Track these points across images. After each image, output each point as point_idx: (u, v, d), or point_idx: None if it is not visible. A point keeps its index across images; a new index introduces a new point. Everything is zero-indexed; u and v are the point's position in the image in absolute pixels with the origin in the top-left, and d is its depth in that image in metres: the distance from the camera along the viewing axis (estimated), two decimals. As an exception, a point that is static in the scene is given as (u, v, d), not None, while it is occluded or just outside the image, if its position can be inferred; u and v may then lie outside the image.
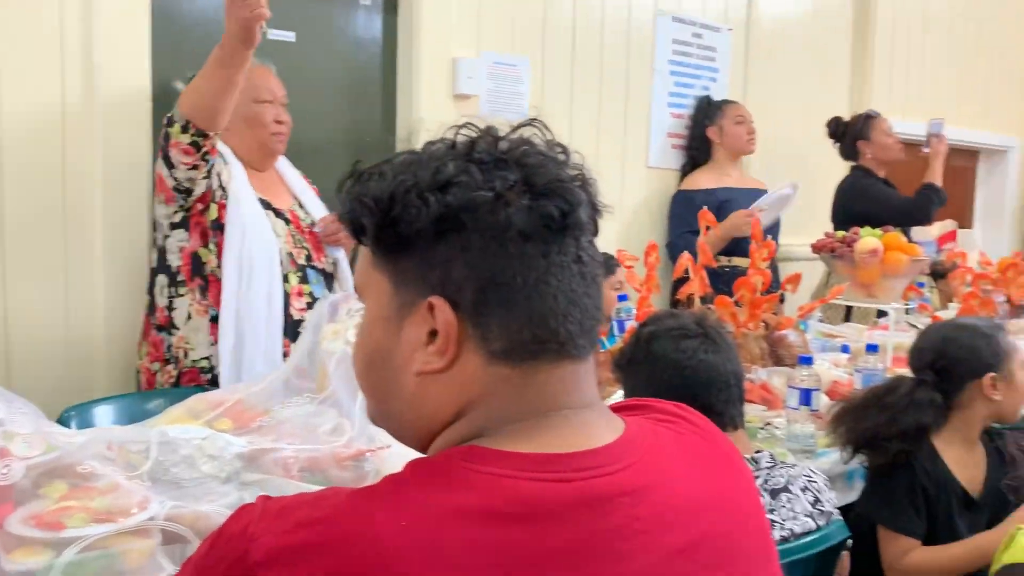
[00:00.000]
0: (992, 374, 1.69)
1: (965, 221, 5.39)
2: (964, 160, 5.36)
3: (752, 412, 2.11)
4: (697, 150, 3.65)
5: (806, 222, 3.91)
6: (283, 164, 2.24)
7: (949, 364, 1.71)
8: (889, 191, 3.63)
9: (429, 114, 2.92)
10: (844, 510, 1.87)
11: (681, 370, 1.38)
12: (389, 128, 2.95)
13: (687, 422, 0.82)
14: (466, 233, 0.66)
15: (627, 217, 3.59)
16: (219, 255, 1.95)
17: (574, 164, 0.72)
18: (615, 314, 2.39)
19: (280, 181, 2.20)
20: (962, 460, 1.72)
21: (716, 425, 1.38)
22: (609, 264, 2.64)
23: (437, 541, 0.61)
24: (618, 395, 1.72)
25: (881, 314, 3.10)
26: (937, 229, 4.84)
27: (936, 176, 3.65)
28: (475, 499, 0.64)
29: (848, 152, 3.81)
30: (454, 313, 0.67)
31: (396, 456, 1.27)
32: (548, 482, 0.65)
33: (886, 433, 1.65)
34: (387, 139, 2.89)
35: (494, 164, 0.67)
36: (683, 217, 3.42)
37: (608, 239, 3.42)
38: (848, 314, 3.41)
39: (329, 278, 2.18)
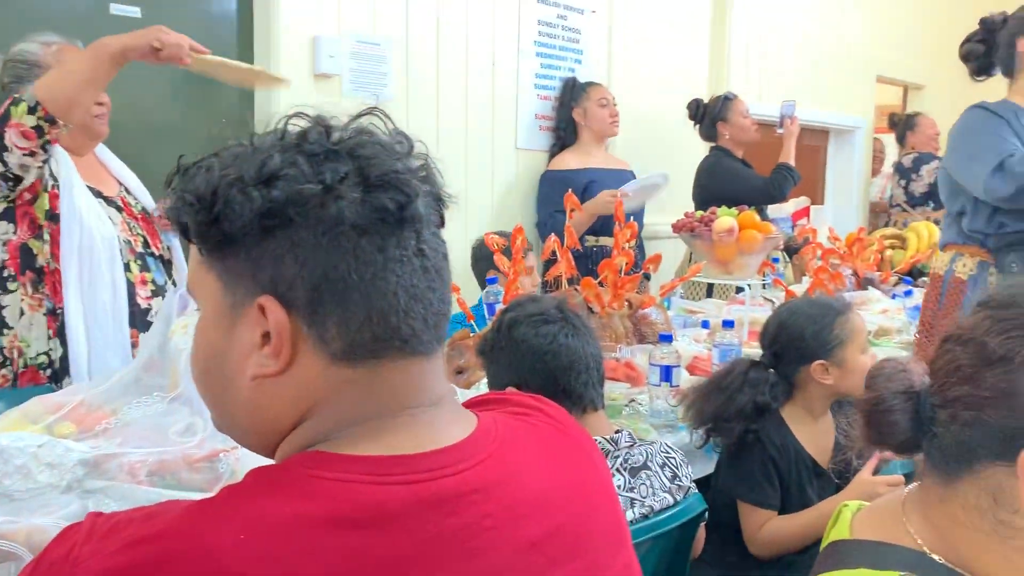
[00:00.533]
0: (821, 361, 1.76)
1: (817, 198, 5.70)
2: (815, 139, 5.66)
3: (617, 390, 2.17)
4: (564, 131, 3.70)
5: (670, 201, 4.05)
6: (101, 150, 2.15)
7: (781, 349, 1.80)
8: (746, 171, 3.80)
9: (288, 96, 2.83)
10: (704, 482, 1.97)
11: (542, 355, 1.40)
12: (247, 108, 2.84)
13: (543, 413, 0.83)
14: (294, 228, 0.63)
15: (497, 199, 3.61)
16: (53, 246, 1.85)
17: (417, 154, 0.70)
18: (485, 297, 2.40)
19: (102, 167, 2.11)
20: (810, 432, 1.82)
21: (577, 407, 1.42)
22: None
23: (278, 553, 0.59)
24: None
25: (739, 290, 3.25)
26: (792, 206, 5.10)
27: (789, 156, 3.83)
28: (317, 507, 0.62)
29: (708, 133, 3.95)
30: (287, 313, 0.64)
31: (252, 456, 1.23)
32: (393, 485, 0.64)
33: (725, 414, 1.72)
34: (244, 123, 2.79)
35: (325, 156, 0.64)
36: (551, 197, 3.47)
37: (480, 221, 3.43)
38: (710, 290, 3.55)
39: (167, 264, 2.13)
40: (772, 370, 1.84)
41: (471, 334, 2.09)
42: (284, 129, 0.67)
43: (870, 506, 0.69)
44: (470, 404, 0.84)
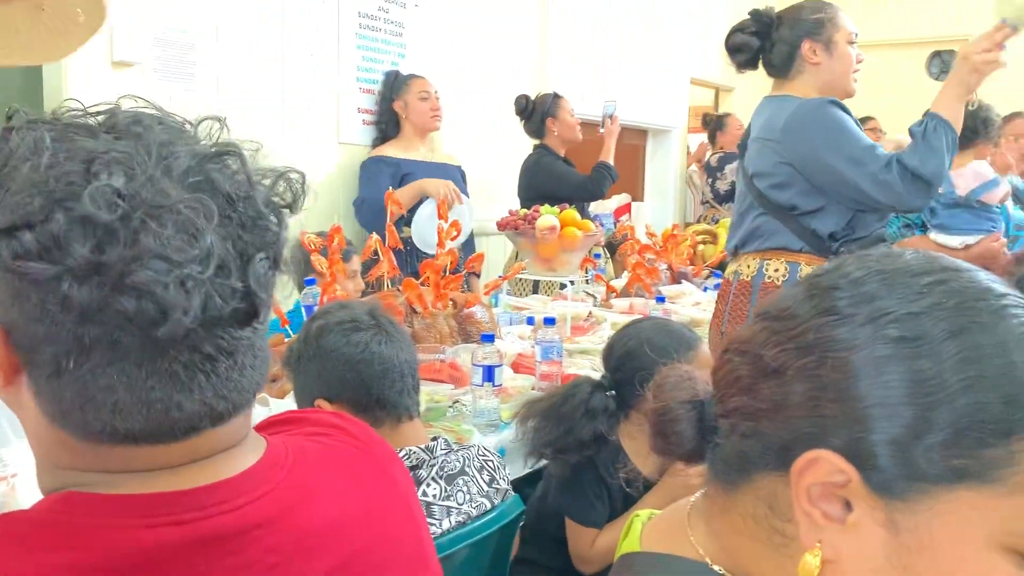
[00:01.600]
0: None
1: (637, 194, 5.94)
2: (634, 138, 5.89)
3: (441, 391, 2.15)
4: (387, 125, 3.64)
5: (498, 197, 4.08)
6: None
7: (624, 377, 1.77)
8: (568, 169, 3.88)
9: (83, 86, 2.61)
10: (533, 477, 1.98)
11: (354, 364, 1.35)
12: (34, 102, 2.59)
13: (343, 433, 0.79)
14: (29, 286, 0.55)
15: (318, 196, 3.49)
16: None
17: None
18: (303, 299, 2.32)
19: None
20: (644, 451, 1.82)
21: (392, 416, 1.39)
22: (347, 252, 2.56)
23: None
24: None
25: (564, 285, 3.32)
26: (614, 202, 5.28)
27: (609, 155, 3.95)
28: (74, 556, 0.56)
29: (536, 129, 3.99)
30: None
31: (28, 485, 1.12)
32: (161, 527, 0.59)
33: (566, 446, 1.65)
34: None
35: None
36: (374, 179, 3.41)
37: (297, 219, 3.30)
38: (536, 287, 3.61)
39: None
40: (613, 392, 1.80)
41: (285, 340, 2.00)
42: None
43: (659, 516, 0.70)
44: (262, 427, 0.79)
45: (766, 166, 2.22)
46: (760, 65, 2.36)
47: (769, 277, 2.24)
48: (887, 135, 4.82)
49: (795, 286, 0.62)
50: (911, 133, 2.11)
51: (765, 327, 0.60)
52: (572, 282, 3.04)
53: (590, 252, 3.74)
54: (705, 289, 3.55)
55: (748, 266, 2.28)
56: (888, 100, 5.95)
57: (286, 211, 0.67)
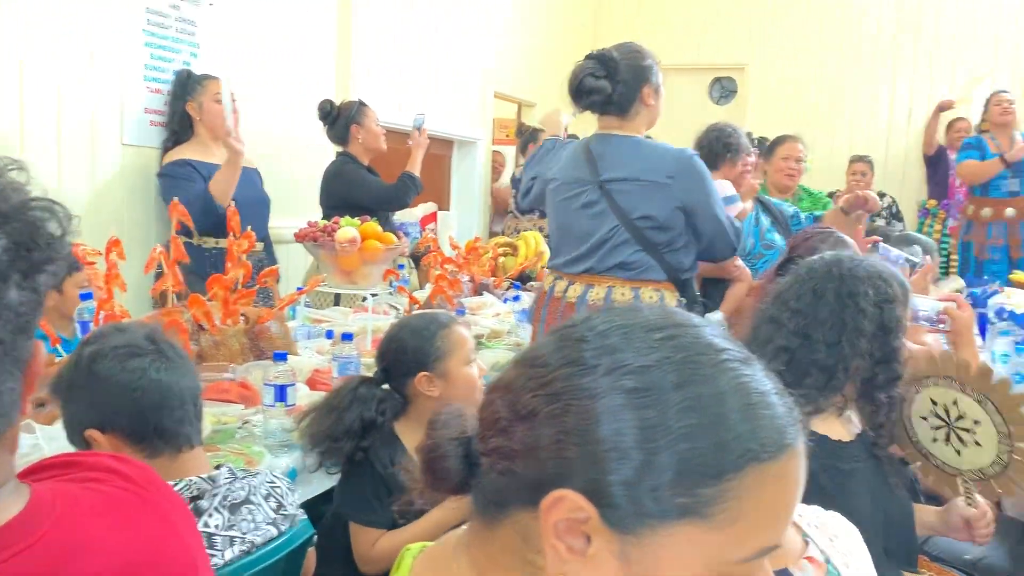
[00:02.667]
0: (425, 373, 1.84)
1: (444, 203, 6.01)
2: (441, 149, 5.95)
3: (230, 411, 2.08)
4: (179, 126, 3.46)
5: (300, 205, 3.99)
6: None
7: (390, 364, 1.87)
8: (371, 178, 3.86)
9: None
10: (329, 495, 1.96)
11: (130, 392, 1.28)
12: None
13: (120, 477, 0.75)
14: None
15: (99, 201, 3.26)
16: None
17: None
18: (78, 315, 2.16)
19: None
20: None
21: (171, 446, 1.33)
22: (73, 263, 2.38)
23: None
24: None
25: (366, 297, 3.30)
26: (420, 211, 5.31)
27: (415, 166, 3.97)
28: None
29: (340, 136, 3.92)
30: None
31: None
32: None
33: (335, 433, 1.73)
34: None
35: None
36: (190, 180, 3.25)
37: (80, 225, 3.07)
38: (338, 298, 3.56)
39: None
40: (385, 386, 1.88)
41: (56, 360, 1.87)
42: None
43: (428, 549, 0.73)
44: (27, 473, 0.74)
45: (656, 210, 2.43)
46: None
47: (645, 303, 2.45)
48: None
49: (549, 335, 0.67)
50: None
51: (521, 373, 0.65)
52: (374, 294, 3.03)
53: (394, 263, 3.75)
54: (505, 300, 3.65)
55: (622, 293, 2.48)
56: (674, 121, 6.37)
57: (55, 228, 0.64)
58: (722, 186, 3.12)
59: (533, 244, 4.24)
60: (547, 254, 4.25)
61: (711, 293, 3.28)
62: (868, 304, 1.71)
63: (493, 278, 3.84)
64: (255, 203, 3.41)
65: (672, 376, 0.60)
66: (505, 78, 6.24)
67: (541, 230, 5.03)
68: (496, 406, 0.66)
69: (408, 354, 1.85)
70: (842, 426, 1.74)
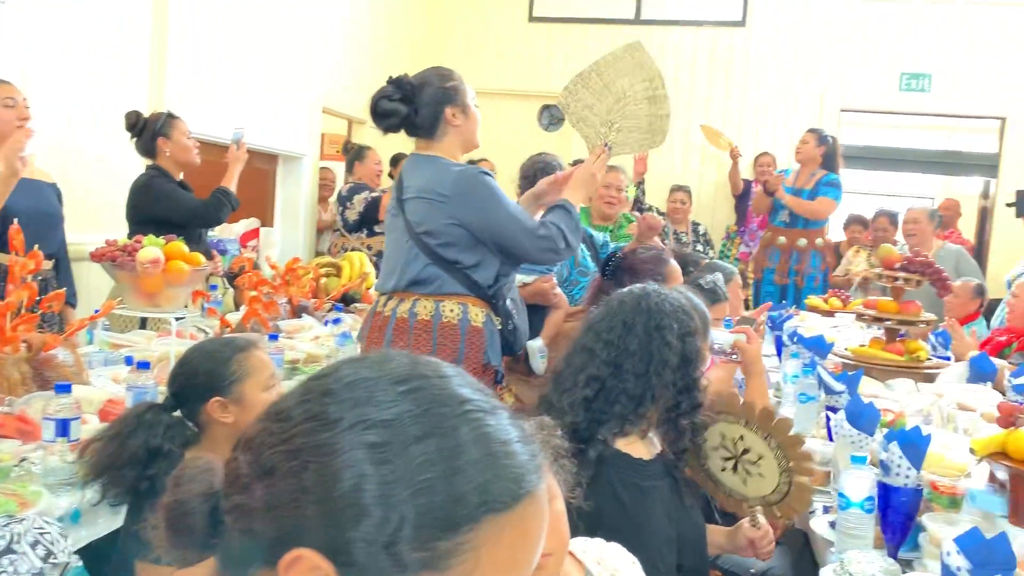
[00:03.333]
0: (218, 398, 1.77)
1: (267, 219, 5.82)
2: (264, 163, 5.77)
3: (6, 448, 1.91)
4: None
5: (105, 220, 3.74)
6: None
7: (181, 388, 1.79)
8: (182, 193, 3.68)
9: None
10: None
11: None
12: None
13: None
14: None
15: None
16: None
17: None
18: None
19: None
20: None
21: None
22: None
23: None
24: None
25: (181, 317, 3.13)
26: (241, 227, 5.11)
27: (231, 181, 3.82)
28: None
29: (147, 149, 3.72)
30: None
31: None
32: None
33: (118, 461, 1.64)
34: None
35: None
36: None
37: None
38: (144, 321, 3.36)
39: None
40: (176, 412, 1.80)
41: None
42: None
43: None
44: None
45: (436, 225, 2.49)
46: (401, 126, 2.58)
47: (446, 317, 2.50)
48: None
49: (297, 387, 0.66)
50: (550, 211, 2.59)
51: (264, 428, 0.63)
52: (180, 318, 2.88)
53: (205, 284, 3.59)
54: (326, 323, 3.57)
55: (424, 307, 2.51)
56: (503, 144, 6.50)
57: None
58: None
59: (358, 264, 4.18)
60: (373, 275, 4.21)
61: (531, 319, 3.36)
62: (673, 337, 1.82)
63: (314, 300, 3.75)
64: (45, 218, 3.15)
65: (413, 429, 0.60)
66: (335, 94, 6.14)
67: (370, 248, 4.98)
68: (238, 463, 0.63)
69: (200, 377, 1.78)
70: (644, 447, 1.83)
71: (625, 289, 2.01)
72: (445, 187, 2.47)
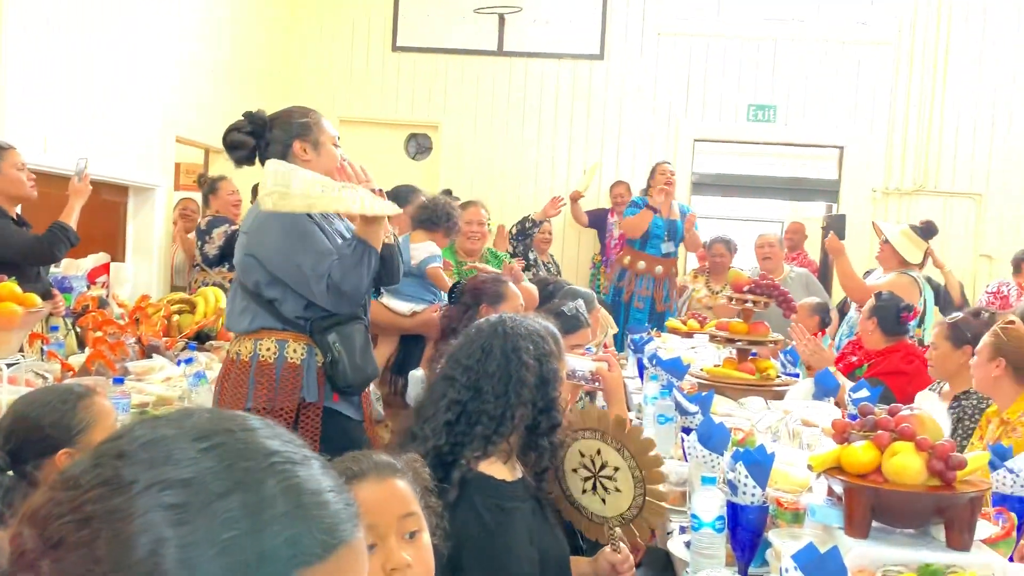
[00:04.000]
0: (67, 450, 1.68)
1: (118, 254, 5.52)
2: (115, 195, 5.49)
3: None
4: None
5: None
6: None
7: (18, 446, 1.66)
8: (13, 229, 3.44)
9: None
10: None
11: None
12: None
13: None
14: None
15: None
16: None
17: None
18: None
19: None
20: None
21: None
22: None
23: None
24: None
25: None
26: (89, 263, 4.83)
27: (70, 215, 3.61)
28: None
29: (-26, 182, 3.49)
30: None
31: None
32: None
33: None
34: None
35: None
36: None
37: None
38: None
39: None
40: (10, 472, 1.67)
41: None
42: None
43: None
44: None
45: (237, 258, 2.55)
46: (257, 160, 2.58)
47: (263, 356, 2.45)
48: None
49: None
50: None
51: (51, 498, 0.59)
52: (12, 364, 2.68)
53: (45, 325, 3.36)
54: (179, 363, 3.41)
55: (245, 347, 2.49)
56: (371, 172, 6.44)
57: None
58: (428, 247, 3.47)
59: (213, 300, 4.02)
60: (229, 311, 4.06)
61: (410, 350, 3.36)
62: (530, 357, 1.87)
63: (165, 339, 3.58)
64: None
65: (216, 486, 0.57)
66: (190, 122, 5.93)
67: (231, 284, 4.80)
68: (23, 537, 0.58)
69: (45, 431, 1.66)
70: (507, 469, 1.87)
71: (482, 319, 2.05)
72: (248, 222, 2.55)
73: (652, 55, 7.13)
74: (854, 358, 4.09)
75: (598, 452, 1.98)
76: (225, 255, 4.91)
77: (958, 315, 3.39)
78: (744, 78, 7.09)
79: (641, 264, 5.91)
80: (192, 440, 0.60)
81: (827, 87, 7.01)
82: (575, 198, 6.75)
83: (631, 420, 3.14)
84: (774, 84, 7.06)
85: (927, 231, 4.60)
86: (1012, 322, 2.84)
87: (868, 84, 6.97)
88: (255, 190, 5.78)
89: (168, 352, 3.49)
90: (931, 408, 2.67)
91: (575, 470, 2.03)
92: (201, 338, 3.85)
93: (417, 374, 3.10)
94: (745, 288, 3.42)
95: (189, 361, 3.28)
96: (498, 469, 1.84)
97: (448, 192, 4.42)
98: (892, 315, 3.87)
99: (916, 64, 6.89)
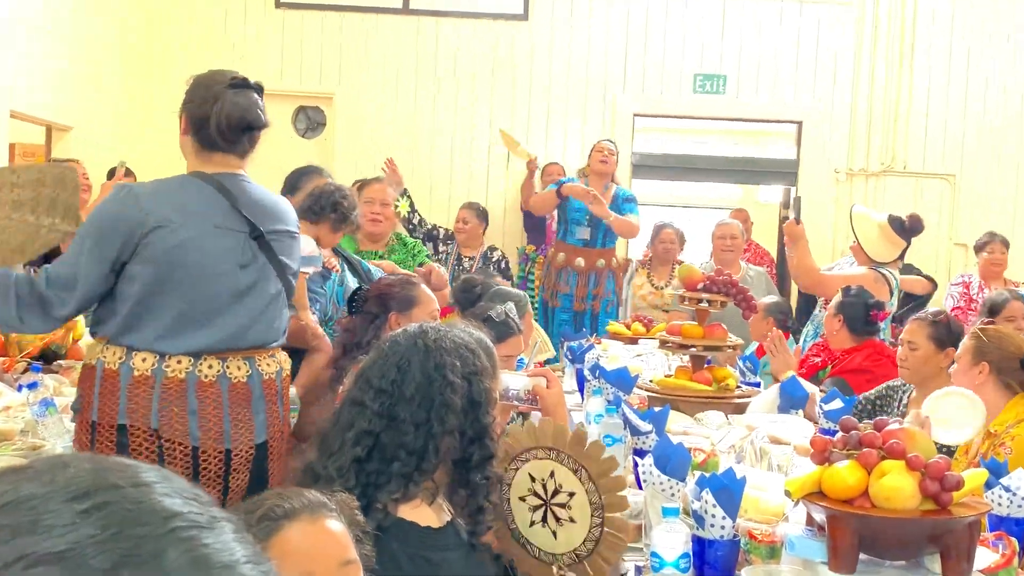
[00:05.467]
0: None
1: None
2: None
3: None
4: None
5: None
6: None
7: None
8: None
9: None
10: None
11: None
12: None
13: None
14: None
15: None
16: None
17: None
18: None
19: None
20: None
21: None
22: None
23: None
24: None
25: None
26: None
27: None
28: None
29: None
30: None
31: None
32: None
33: None
34: None
35: None
36: None
37: None
38: None
39: None
40: None
41: None
42: None
43: None
44: None
45: None
46: None
47: (137, 368, 2.43)
48: None
49: None
50: None
51: None
52: None
53: None
54: (20, 388, 3.27)
55: (114, 353, 2.44)
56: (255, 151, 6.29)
57: None
58: (304, 244, 3.19)
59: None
60: (81, 322, 3.90)
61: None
62: (456, 376, 1.83)
63: (2, 359, 3.42)
64: None
65: (99, 560, 0.52)
66: (27, 95, 5.70)
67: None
68: None
69: None
70: (433, 513, 1.83)
71: (399, 329, 2.00)
72: None
73: (584, 16, 7.18)
74: (818, 359, 4.19)
75: (551, 475, 1.97)
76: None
77: (937, 311, 3.49)
78: (689, 44, 7.19)
79: (560, 256, 5.96)
80: (67, 500, 0.54)
81: (783, 54, 7.18)
82: (532, 168, 6.63)
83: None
84: (723, 51, 7.19)
85: (911, 229, 4.59)
86: (991, 322, 2.94)
87: (829, 50, 7.17)
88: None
89: (6, 376, 3.35)
90: (968, 395, 2.65)
91: (523, 498, 2.01)
92: (47, 357, 3.70)
93: (291, 392, 3.01)
94: (700, 286, 3.46)
95: (33, 386, 3.13)
96: (422, 513, 1.81)
97: (364, 183, 4.31)
98: (861, 312, 3.97)
99: (882, 28, 7.11)
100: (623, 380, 3.15)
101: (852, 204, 5.47)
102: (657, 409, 2.77)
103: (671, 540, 1.77)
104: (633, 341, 4.83)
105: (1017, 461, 2.27)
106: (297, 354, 3.13)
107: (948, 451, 2.64)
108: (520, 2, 7.18)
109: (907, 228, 4.58)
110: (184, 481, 0.60)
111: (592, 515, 1.93)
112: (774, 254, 7.46)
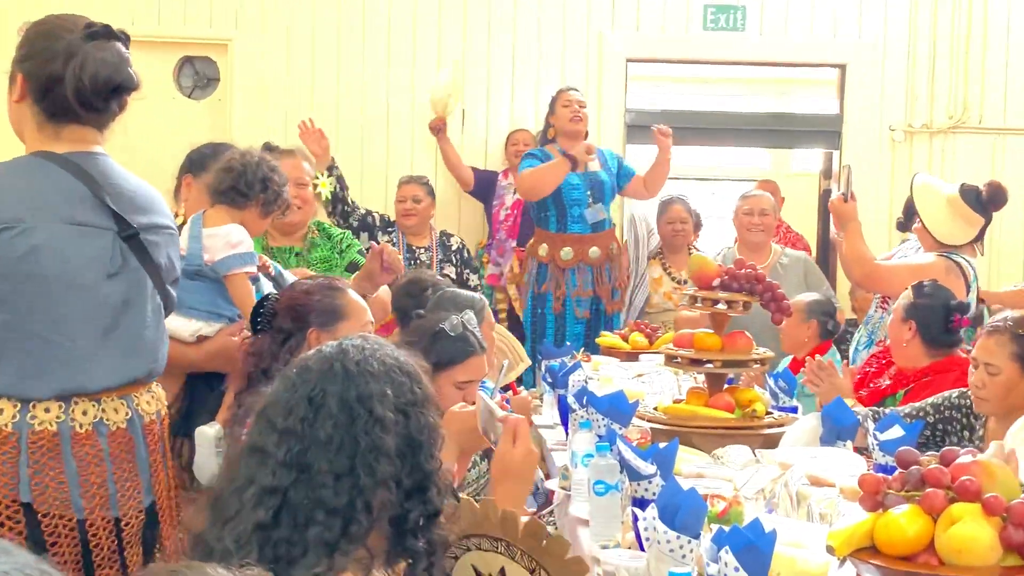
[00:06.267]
0: None
1: None
2: None
3: None
4: None
5: None
6: None
7: None
8: None
9: None
10: None
11: None
12: None
13: None
14: None
15: None
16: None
17: None
18: None
19: None
20: None
21: None
22: None
23: None
24: None
25: None
26: None
27: None
28: None
29: None
30: None
31: None
32: None
33: None
34: None
35: None
36: None
37: None
38: None
39: None
40: None
41: None
42: None
43: None
44: None
45: None
46: None
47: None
48: None
49: None
50: None
51: None
52: None
53: None
54: None
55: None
56: (124, 119, 6.23)
57: None
58: (231, 233, 3.25)
59: None
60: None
61: (199, 396, 3.24)
62: (387, 409, 1.80)
63: None
64: None
65: None
66: None
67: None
68: None
69: None
70: None
71: (309, 352, 1.97)
72: None
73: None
74: (885, 382, 4.03)
75: (501, 571, 1.96)
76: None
77: (1021, 317, 3.37)
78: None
79: (566, 251, 5.82)
80: None
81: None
82: (436, 128, 6.59)
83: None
84: (742, -27, 7.17)
85: (991, 201, 4.54)
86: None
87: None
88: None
89: None
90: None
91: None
92: None
93: (208, 432, 2.98)
94: (716, 282, 3.47)
95: None
96: None
97: (270, 148, 4.25)
98: (939, 317, 3.83)
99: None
100: (618, 408, 3.16)
101: (914, 173, 5.45)
102: (663, 445, 2.78)
103: (682, 616, 1.78)
104: (632, 357, 4.84)
105: None
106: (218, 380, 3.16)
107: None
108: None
109: (985, 200, 4.52)
110: (27, 555, 0.61)
111: None
112: (812, 241, 7.43)
